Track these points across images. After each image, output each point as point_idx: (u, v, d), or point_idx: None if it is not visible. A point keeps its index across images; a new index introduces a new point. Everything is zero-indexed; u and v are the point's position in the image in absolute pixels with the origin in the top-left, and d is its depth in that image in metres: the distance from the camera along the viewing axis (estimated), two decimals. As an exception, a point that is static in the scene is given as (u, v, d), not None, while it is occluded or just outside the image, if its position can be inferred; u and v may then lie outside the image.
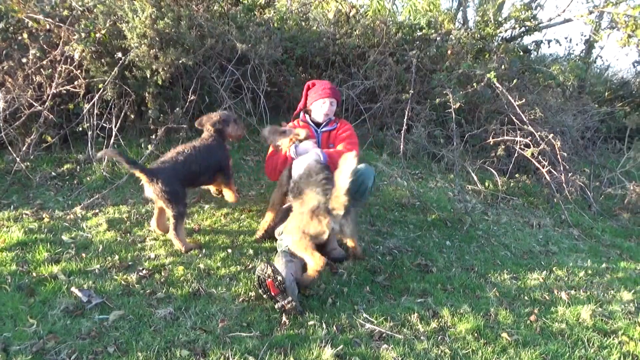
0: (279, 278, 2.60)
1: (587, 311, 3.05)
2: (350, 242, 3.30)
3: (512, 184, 5.37)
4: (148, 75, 4.43)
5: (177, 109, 4.62)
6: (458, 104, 4.90)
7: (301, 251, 2.82)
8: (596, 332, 2.86)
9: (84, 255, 3.07)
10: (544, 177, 5.27)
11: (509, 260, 3.82)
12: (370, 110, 5.95)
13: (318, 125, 3.73)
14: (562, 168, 5.30)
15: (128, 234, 3.45)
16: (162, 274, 2.96)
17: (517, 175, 5.47)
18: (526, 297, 3.22)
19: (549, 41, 7.46)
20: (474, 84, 5.24)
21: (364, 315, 2.77)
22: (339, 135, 3.65)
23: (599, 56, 11.55)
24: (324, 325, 2.62)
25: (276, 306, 2.67)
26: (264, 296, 2.68)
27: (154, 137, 4.45)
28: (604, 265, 3.94)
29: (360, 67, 6.17)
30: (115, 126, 4.42)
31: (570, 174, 5.27)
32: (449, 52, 6.28)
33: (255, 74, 5.21)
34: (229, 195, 3.68)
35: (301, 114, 3.83)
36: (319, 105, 3.65)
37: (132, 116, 4.65)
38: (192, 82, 4.78)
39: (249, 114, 5.26)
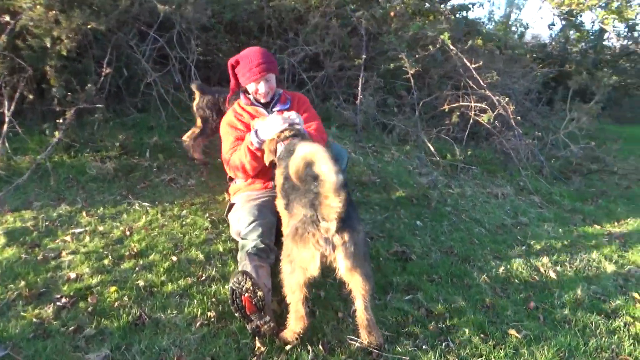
0: (259, 294, 2.05)
1: (582, 290, 2.81)
2: (358, 290, 2.04)
3: (469, 152, 5.11)
4: (48, 45, 3.55)
5: (89, 85, 3.78)
6: (414, 69, 4.48)
7: (289, 292, 2.06)
8: (599, 315, 2.60)
9: (-25, 285, 2.31)
10: (499, 143, 5.06)
11: (486, 237, 3.52)
12: (314, 80, 5.39)
13: (266, 105, 2.99)
14: (515, 133, 5.12)
15: (37, 249, 2.69)
16: (89, 300, 2.28)
17: (472, 142, 5.22)
18: (516, 280, 2.92)
19: (473, 4, 7.14)
20: (429, 47, 4.84)
21: (351, 327, 2.29)
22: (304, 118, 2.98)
23: (518, 20, 11.75)
24: (308, 346, 2.11)
25: (248, 327, 2.13)
26: (236, 314, 2.12)
27: (61, 121, 3.60)
28: (574, 233, 3.79)
29: (298, 32, 5.56)
30: (8, 110, 3.51)
31: (524, 139, 5.11)
32: (392, 14, 5.84)
33: (183, 41, 4.45)
34: None
35: (242, 97, 3.00)
36: (254, 88, 2.86)
37: (31, 96, 3.74)
38: (105, 52, 3.95)
39: (178, 88, 4.51)
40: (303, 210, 1.96)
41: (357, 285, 2.02)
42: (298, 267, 1.99)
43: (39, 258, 2.59)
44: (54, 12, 3.45)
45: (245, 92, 2.97)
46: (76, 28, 3.53)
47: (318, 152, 1.76)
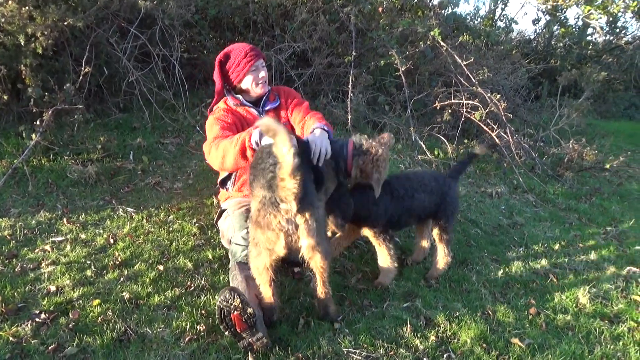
0: (249, 311, 1.93)
1: (584, 294, 2.74)
2: (318, 267, 2.11)
3: (461, 150, 5.03)
4: (22, 42, 3.37)
5: (68, 84, 3.62)
6: (404, 66, 4.38)
7: (257, 275, 2.10)
8: (602, 320, 2.54)
9: (-54, 301, 2.15)
10: (492, 141, 4.99)
11: (482, 239, 3.44)
12: (302, 77, 5.26)
13: (256, 104, 2.78)
14: (508, 130, 5.06)
15: (14, 259, 2.54)
16: (70, 315, 2.14)
17: (465, 141, 5.15)
18: (516, 284, 2.85)
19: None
20: (420, 43, 4.74)
21: (348, 338, 2.19)
22: (292, 106, 2.86)
23: (503, 15, 11.72)
24: (303, 361, 2.01)
25: (240, 344, 2.01)
26: (226, 333, 2.00)
27: (38, 123, 3.43)
28: (571, 233, 3.74)
29: (285, 28, 5.42)
30: (-19, 111, 3.34)
31: (516, 136, 5.05)
32: (380, 9, 5.73)
33: (166, 39, 4.28)
34: None
35: (229, 97, 2.74)
36: (252, 79, 2.64)
37: (5, 97, 3.56)
38: (84, 49, 3.76)
39: (162, 87, 4.34)
40: (262, 191, 1.94)
41: (317, 263, 2.09)
42: (263, 249, 1.99)
43: (16, 270, 2.44)
44: (27, 7, 3.27)
45: (233, 92, 2.79)
46: (52, 25, 3.36)
47: (280, 132, 1.72)
